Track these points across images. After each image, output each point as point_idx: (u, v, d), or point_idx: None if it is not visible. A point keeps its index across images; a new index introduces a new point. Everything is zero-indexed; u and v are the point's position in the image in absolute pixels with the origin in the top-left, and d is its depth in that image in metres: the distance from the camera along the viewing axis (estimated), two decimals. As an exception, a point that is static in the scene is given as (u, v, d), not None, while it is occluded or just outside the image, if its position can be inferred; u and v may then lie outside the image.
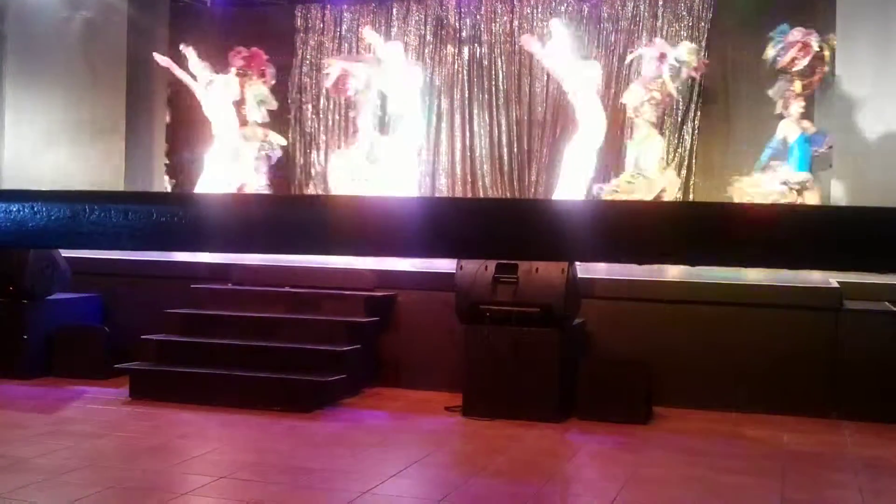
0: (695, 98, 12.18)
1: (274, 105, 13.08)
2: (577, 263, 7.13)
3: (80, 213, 1.23)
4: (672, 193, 11.35)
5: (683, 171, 12.12)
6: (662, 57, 11.25)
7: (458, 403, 6.87)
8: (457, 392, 6.97)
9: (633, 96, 11.45)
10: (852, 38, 9.93)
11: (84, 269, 8.38)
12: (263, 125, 13.02)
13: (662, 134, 12.04)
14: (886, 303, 7.19)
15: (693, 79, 11.80)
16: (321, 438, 6.18)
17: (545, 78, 12.67)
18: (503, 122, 12.89)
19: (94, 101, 11.68)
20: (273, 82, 13.13)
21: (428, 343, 7.68)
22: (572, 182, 11.09)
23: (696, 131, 12.20)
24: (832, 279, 7.45)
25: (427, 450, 5.92)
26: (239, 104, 12.82)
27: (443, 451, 6.01)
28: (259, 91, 12.92)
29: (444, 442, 6.25)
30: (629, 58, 12.11)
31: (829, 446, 6.23)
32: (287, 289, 8.06)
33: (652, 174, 11.24)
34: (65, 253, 8.14)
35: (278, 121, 13.71)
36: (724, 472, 5.53)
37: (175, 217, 1.26)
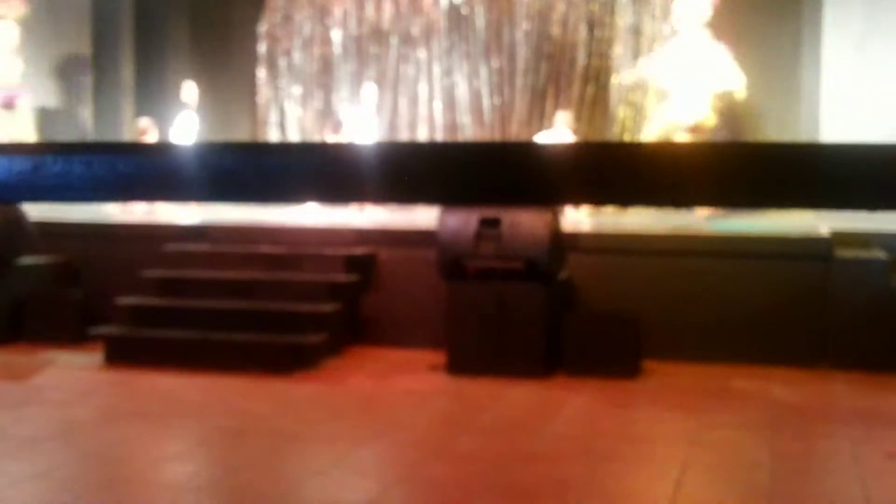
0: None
1: None
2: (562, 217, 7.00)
3: (42, 165, 1.19)
4: None
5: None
6: None
7: (442, 361, 6.76)
8: (440, 350, 6.87)
9: None
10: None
11: (55, 231, 8.17)
12: None
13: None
14: (876, 251, 7.10)
15: None
16: (303, 401, 6.06)
17: (525, 26, 12.44)
18: (483, 71, 12.67)
19: (58, 36, 11.35)
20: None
21: (410, 301, 7.56)
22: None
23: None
24: (822, 228, 7.36)
25: (411, 409, 5.82)
26: None
27: (427, 410, 5.90)
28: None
29: (429, 401, 6.14)
30: None
31: (820, 397, 6.18)
32: (265, 248, 7.89)
33: None
34: (35, 216, 7.94)
35: (249, 74, 13.40)
36: (714, 426, 5.46)
37: (140, 167, 1.21)
